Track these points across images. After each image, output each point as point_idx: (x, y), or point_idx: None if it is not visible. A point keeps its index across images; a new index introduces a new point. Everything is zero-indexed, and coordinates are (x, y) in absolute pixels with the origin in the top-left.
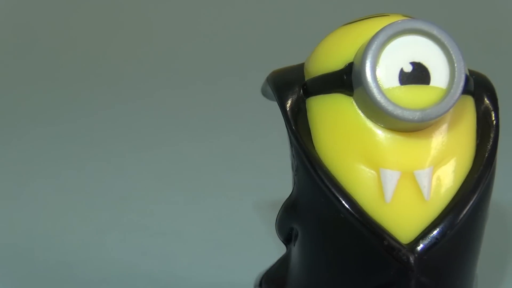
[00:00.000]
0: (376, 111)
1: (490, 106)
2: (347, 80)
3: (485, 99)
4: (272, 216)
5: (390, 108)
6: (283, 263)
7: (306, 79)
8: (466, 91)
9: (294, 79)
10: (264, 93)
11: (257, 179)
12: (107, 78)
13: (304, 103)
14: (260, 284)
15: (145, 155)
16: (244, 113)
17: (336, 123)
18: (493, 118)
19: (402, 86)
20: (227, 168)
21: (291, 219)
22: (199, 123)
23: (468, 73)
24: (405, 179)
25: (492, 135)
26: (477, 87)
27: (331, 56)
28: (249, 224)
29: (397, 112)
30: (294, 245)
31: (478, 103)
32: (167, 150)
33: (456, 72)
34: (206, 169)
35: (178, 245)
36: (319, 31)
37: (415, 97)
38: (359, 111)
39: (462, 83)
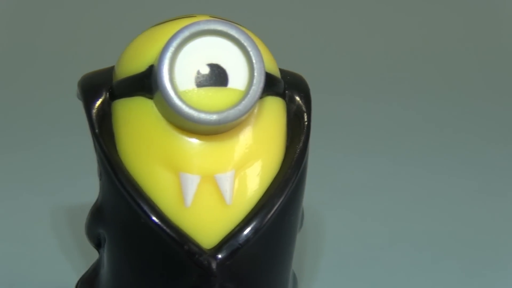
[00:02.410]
0: (173, 115)
1: (302, 108)
2: (147, 83)
3: (298, 100)
4: None
5: (185, 110)
6: (96, 267)
7: (114, 82)
8: (273, 92)
9: (102, 82)
10: (79, 97)
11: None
12: None
13: (110, 106)
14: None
15: None
16: (60, 116)
17: (137, 127)
18: (305, 120)
19: (199, 89)
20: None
21: (98, 224)
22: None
23: (278, 75)
24: (205, 183)
25: (302, 137)
26: (290, 88)
27: (135, 58)
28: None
29: (192, 114)
30: (103, 250)
31: (290, 104)
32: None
33: (255, 74)
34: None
35: (21, 249)
36: None
37: (212, 100)
38: (160, 115)
39: (261, 85)
